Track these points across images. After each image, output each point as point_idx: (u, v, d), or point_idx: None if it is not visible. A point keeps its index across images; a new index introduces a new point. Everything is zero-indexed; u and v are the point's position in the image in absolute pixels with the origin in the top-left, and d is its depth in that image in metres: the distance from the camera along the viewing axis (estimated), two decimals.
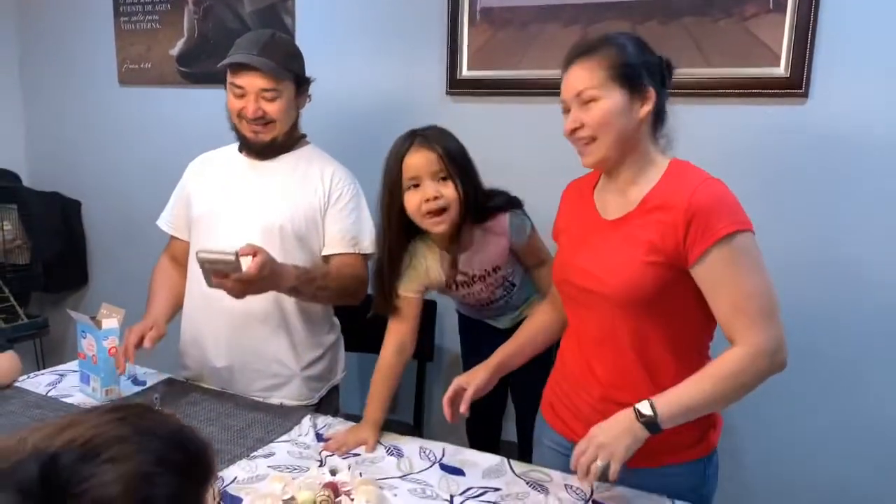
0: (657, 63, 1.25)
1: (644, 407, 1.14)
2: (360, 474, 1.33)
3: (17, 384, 1.72)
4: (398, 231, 1.51)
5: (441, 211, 1.44)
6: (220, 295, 1.66)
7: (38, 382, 1.75)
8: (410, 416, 2.24)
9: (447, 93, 2.19)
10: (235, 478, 1.33)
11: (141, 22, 2.76)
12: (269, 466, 1.38)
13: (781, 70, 1.76)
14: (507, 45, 2.08)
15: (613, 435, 1.14)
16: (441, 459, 1.43)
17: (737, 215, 1.17)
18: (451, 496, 1.30)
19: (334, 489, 1.07)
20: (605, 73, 1.21)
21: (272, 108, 1.66)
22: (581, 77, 1.22)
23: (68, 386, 1.74)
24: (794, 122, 1.79)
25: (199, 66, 2.64)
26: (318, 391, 1.78)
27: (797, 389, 1.86)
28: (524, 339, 1.49)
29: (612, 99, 1.21)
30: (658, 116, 1.27)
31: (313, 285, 1.60)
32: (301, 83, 1.71)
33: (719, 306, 1.18)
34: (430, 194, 1.43)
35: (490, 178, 2.15)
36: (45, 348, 2.95)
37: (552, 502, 1.28)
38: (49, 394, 1.69)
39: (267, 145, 1.69)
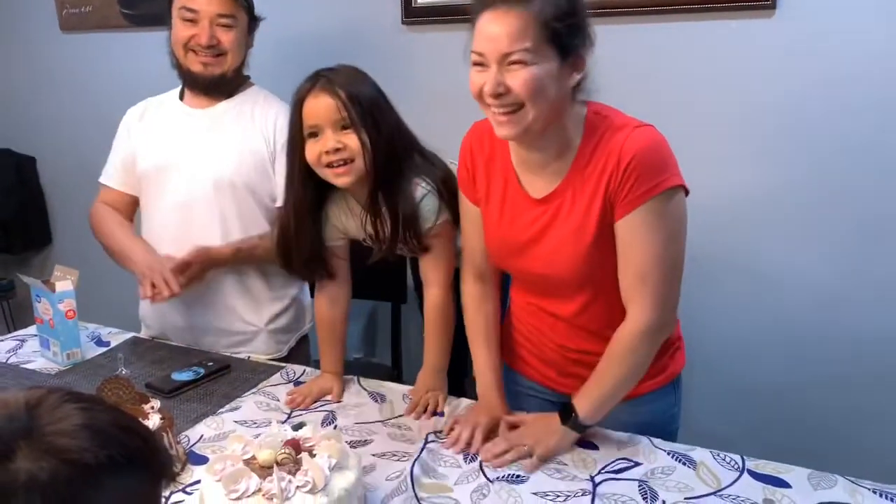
0: (586, 19, 1.10)
1: (566, 412, 1.21)
2: (334, 423, 1.32)
3: None
4: (302, 182, 1.36)
5: (344, 162, 1.29)
6: (175, 250, 1.62)
7: None
8: (389, 359, 2.23)
9: (403, 22, 2.08)
10: (202, 436, 1.31)
11: None
12: (235, 422, 1.36)
13: None
14: None
15: (543, 434, 1.21)
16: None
17: (670, 170, 1.11)
18: (427, 435, 1.29)
19: (295, 446, 1.04)
20: (542, 33, 1.03)
21: (227, 38, 1.57)
22: (512, 31, 1.03)
23: (29, 352, 1.69)
24: (762, 37, 1.72)
25: (145, 8, 2.49)
26: (286, 343, 1.75)
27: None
28: (494, 342, 1.37)
29: (546, 65, 1.05)
30: (579, 81, 1.13)
31: (254, 257, 1.60)
32: (252, 18, 1.62)
33: (625, 269, 1.16)
34: (329, 146, 1.27)
35: (450, 113, 2.08)
36: (15, 312, 2.89)
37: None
38: (9, 361, 1.64)
39: (216, 80, 1.60)
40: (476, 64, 1.09)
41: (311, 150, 1.30)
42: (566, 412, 1.21)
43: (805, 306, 1.83)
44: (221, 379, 1.53)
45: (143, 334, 1.79)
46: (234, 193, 1.60)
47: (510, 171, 1.23)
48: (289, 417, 1.37)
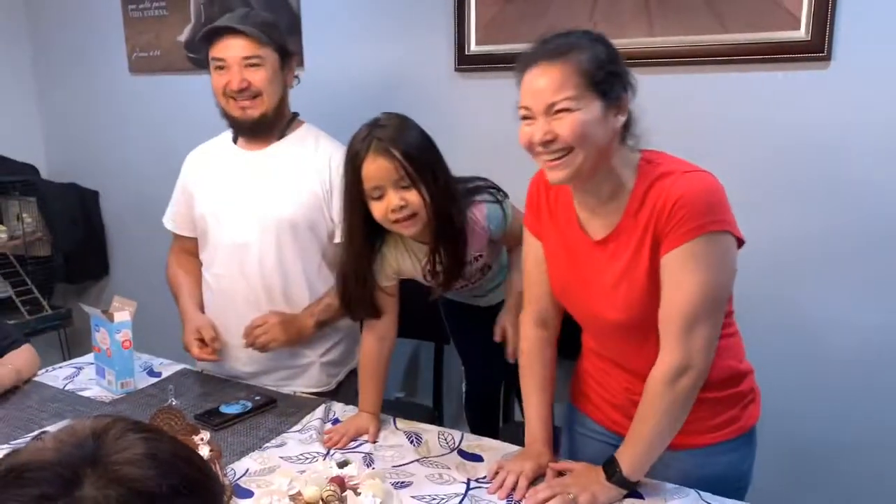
0: (623, 67, 1.15)
1: (609, 468, 1.21)
2: (372, 465, 1.33)
3: (36, 378, 1.74)
4: (363, 237, 1.42)
5: (409, 216, 1.35)
6: (234, 292, 1.68)
7: (57, 376, 1.77)
8: (430, 399, 2.23)
9: (456, 69, 2.13)
10: (247, 470, 1.33)
11: (148, 9, 2.74)
12: (280, 457, 1.37)
13: (802, 33, 1.68)
14: (516, 17, 2.01)
15: (589, 484, 1.21)
16: (460, 446, 1.42)
17: (718, 214, 1.12)
18: (468, 480, 1.28)
19: (340, 484, 1.05)
20: (582, 81, 1.09)
21: (256, 78, 1.62)
22: (554, 83, 1.09)
23: (85, 379, 1.75)
24: (817, 86, 1.71)
25: (207, 54, 2.61)
26: (335, 377, 1.78)
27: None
28: (548, 391, 1.37)
29: (590, 110, 1.10)
30: (626, 123, 1.17)
31: (330, 311, 1.65)
32: (284, 56, 1.68)
33: (665, 306, 1.15)
34: (394, 204, 1.33)
35: (502, 158, 2.11)
36: (70, 339, 2.99)
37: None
38: (66, 387, 1.70)
39: (257, 122, 1.66)
40: (525, 118, 1.14)
41: (378, 209, 1.35)
42: (610, 466, 1.21)
43: (851, 358, 1.78)
44: (268, 413, 1.56)
45: (195, 367, 1.83)
46: (293, 232, 1.65)
47: (572, 212, 1.27)
48: (326, 456, 1.38)
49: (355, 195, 1.37)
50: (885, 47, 1.64)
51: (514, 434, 1.91)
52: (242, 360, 1.72)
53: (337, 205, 1.62)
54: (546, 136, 1.11)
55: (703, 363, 1.17)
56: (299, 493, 1.04)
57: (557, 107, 1.09)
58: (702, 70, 1.81)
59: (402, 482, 1.28)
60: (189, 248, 1.81)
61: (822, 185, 1.75)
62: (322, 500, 1.03)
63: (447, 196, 1.38)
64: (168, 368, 1.81)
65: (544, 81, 1.10)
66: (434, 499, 1.23)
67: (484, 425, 1.98)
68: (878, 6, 1.63)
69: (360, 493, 1.04)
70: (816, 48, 1.67)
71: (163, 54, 2.73)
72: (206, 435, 1.26)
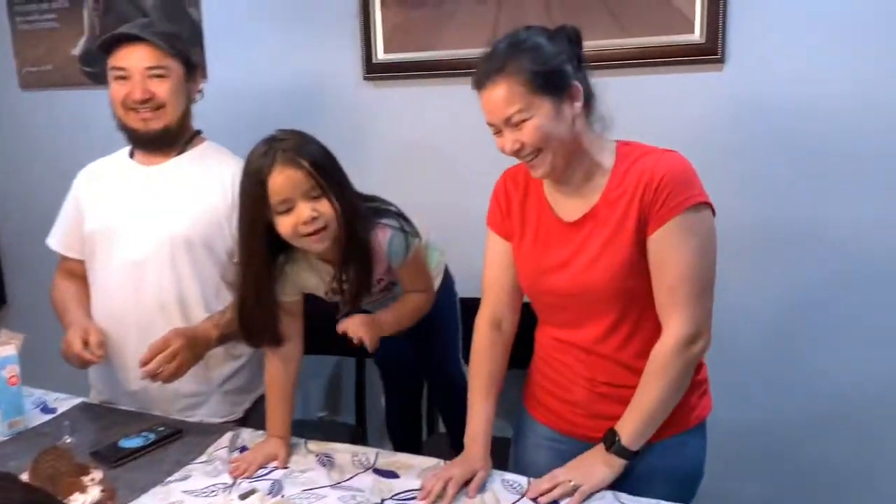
0: (569, 49, 1.21)
1: (608, 438, 1.23)
2: (281, 493, 1.27)
3: None
4: (264, 258, 1.33)
5: (321, 229, 1.29)
6: (126, 314, 1.59)
7: None
8: (353, 417, 2.17)
9: (364, 78, 2.09)
10: None
11: (38, 21, 2.58)
12: (184, 492, 1.29)
13: (696, 36, 1.72)
14: (422, 25, 1.99)
15: (587, 468, 1.23)
16: (375, 464, 1.37)
17: (699, 187, 1.20)
18: (382, 500, 1.24)
19: None
20: (525, 89, 1.16)
21: (161, 89, 1.56)
22: (501, 100, 1.17)
23: None
24: (712, 89, 1.75)
25: (104, 66, 2.48)
26: (241, 405, 1.70)
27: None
28: (493, 394, 1.36)
29: (543, 112, 1.17)
30: (587, 102, 1.23)
31: (233, 326, 1.52)
32: (189, 67, 1.61)
33: (660, 283, 1.20)
34: (305, 216, 1.26)
35: (414, 166, 2.09)
36: None
37: (488, 499, 1.22)
38: None
39: (159, 135, 1.59)
40: (495, 132, 1.23)
41: (285, 224, 1.27)
42: (609, 437, 1.23)
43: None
44: (173, 445, 1.47)
45: (93, 399, 1.72)
46: (189, 250, 1.57)
47: (543, 202, 1.31)
48: (232, 487, 1.30)
49: (257, 214, 1.29)
50: (776, 49, 1.69)
51: (438, 447, 1.89)
52: (138, 388, 1.63)
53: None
54: (515, 146, 1.20)
55: (709, 332, 1.22)
56: None
57: (513, 120, 1.17)
58: (602, 74, 1.82)
59: None
60: (76, 270, 1.70)
61: (720, 184, 1.78)
62: None
63: (354, 211, 1.33)
64: (64, 403, 1.68)
65: (494, 100, 1.18)
66: None
67: (407, 439, 1.94)
68: (768, 9, 1.68)
69: None
70: (710, 51, 1.71)
71: (55, 68, 2.58)
72: (97, 475, 1.17)
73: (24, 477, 1.13)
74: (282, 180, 1.25)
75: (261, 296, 1.35)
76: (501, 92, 1.16)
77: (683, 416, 1.27)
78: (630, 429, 1.22)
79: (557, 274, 1.27)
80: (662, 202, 1.17)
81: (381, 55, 2.05)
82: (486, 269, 1.40)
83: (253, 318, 1.37)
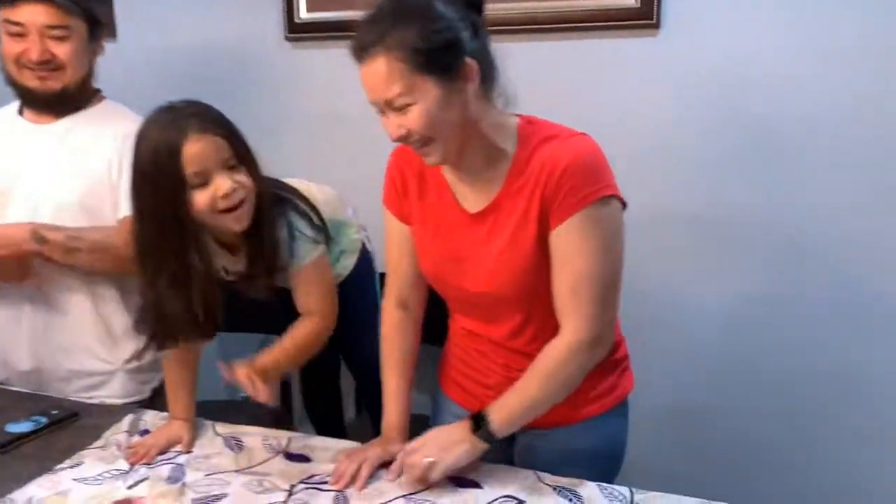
0: (462, 16, 1.02)
1: (477, 420, 1.13)
2: (183, 479, 1.17)
3: None
4: (182, 245, 1.17)
5: (240, 203, 1.16)
6: (21, 290, 1.45)
7: None
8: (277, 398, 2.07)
9: (286, 38, 1.97)
10: (31, 499, 1.13)
11: None
12: (74, 479, 1.18)
13: (632, 1, 1.66)
14: None
15: (447, 444, 1.13)
16: (287, 448, 1.28)
17: (605, 179, 1.06)
18: (291, 486, 1.16)
19: None
20: (408, 68, 0.98)
21: (62, 50, 1.41)
22: (381, 80, 0.99)
23: None
24: (648, 53, 1.70)
25: None
26: (149, 383, 1.58)
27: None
28: (407, 374, 1.28)
29: (429, 96, 1.00)
30: (487, 76, 1.06)
31: (62, 233, 1.39)
32: (94, 26, 1.47)
33: (560, 283, 1.09)
34: (225, 188, 1.12)
35: (338, 132, 1.98)
36: None
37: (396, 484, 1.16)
38: None
39: (56, 96, 1.44)
40: (380, 112, 1.06)
41: (201, 199, 1.13)
42: (479, 418, 1.12)
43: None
44: (67, 429, 1.35)
45: None
46: (81, 216, 1.43)
47: (444, 186, 1.17)
48: (128, 473, 1.20)
49: (176, 193, 1.12)
50: (710, 15, 1.65)
51: (363, 428, 1.81)
52: (31, 367, 1.50)
53: (125, 187, 1.37)
54: (400, 132, 1.04)
55: (611, 336, 1.14)
56: None
57: (395, 103, 1.01)
58: (538, 38, 1.76)
59: (215, 495, 1.14)
60: None
61: (655, 155, 1.75)
62: None
63: (265, 189, 1.21)
64: None
65: (372, 77, 1.01)
66: None
67: (327, 419, 1.87)
68: None
69: None
70: (646, 15, 1.66)
71: None
72: None
73: None
74: (198, 149, 1.11)
75: (184, 291, 1.19)
76: (380, 69, 0.98)
77: (603, 396, 1.21)
78: (503, 416, 1.11)
79: (460, 270, 1.16)
80: (565, 195, 1.03)
81: (303, 14, 1.93)
82: (387, 249, 1.28)
83: (176, 318, 1.21)
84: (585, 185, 1.04)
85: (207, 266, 1.21)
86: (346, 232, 1.57)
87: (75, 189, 1.43)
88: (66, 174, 1.44)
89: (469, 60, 1.01)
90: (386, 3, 1.02)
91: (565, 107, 1.74)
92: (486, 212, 1.12)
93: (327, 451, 1.27)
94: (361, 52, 1.00)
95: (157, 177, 1.13)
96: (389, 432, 1.24)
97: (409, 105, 1.00)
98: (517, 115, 1.13)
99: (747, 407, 1.83)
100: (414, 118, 1.01)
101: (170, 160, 1.11)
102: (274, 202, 1.23)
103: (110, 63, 1.59)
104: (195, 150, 1.12)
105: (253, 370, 1.17)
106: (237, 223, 1.18)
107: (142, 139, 1.15)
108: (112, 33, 2.07)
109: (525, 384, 1.12)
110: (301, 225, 1.27)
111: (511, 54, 1.81)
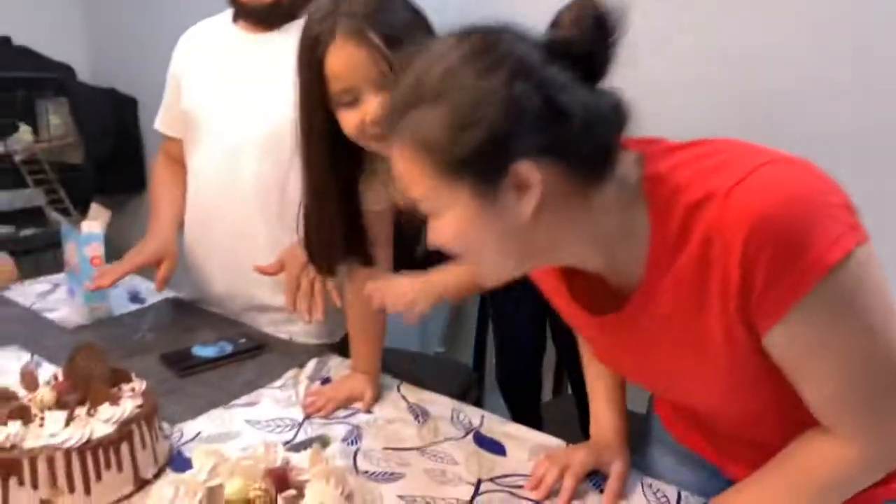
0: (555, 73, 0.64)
1: None
2: (358, 444, 1.00)
3: (6, 292, 1.50)
4: (330, 161, 0.99)
5: None
6: (220, 211, 1.38)
7: (29, 292, 1.53)
8: (471, 358, 1.89)
9: None
10: (199, 433, 1.03)
11: None
12: (246, 421, 1.06)
13: None
14: None
15: None
16: (478, 428, 1.07)
17: (833, 227, 0.62)
18: (479, 480, 0.94)
19: (281, 480, 0.73)
20: (430, 168, 0.66)
21: None
22: (402, 177, 0.69)
23: (58, 298, 1.50)
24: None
25: None
26: (342, 327, 1.44)
27: None
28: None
29: (459, 207, 0.67)
30: (591, 167, 0.67)
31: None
32: None
33: (809, 397, 0.70)
34: (374, 113, 0.89)
35: None
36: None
37: None
38: (33, 306, 1.45)
39: (268, 9, 1.31)
40: None
41: (348, 121, 0.92)
42: None
43: None
44: (251, 361, 1.25)
45: (185, 295, 1.54)
46: (290, 135, 1.30)
47: (559, 281, 0.83)
48: (300, 426, 1.06)
49: (316, 101, 0.94)
50: None
51: (563, 412, 1.56)
52: (223, 292, 1.43)
53: None
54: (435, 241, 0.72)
55: None
56: (221, 486, 0.73)
57: (422, 207, 0.70)
58: None
59: (391, 473, 0.95)
60: (176, 153, 1.49)
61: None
62: (249, 500, 0.71)
63: None
64: (156, 295, 1.52)
65: (397, 170, 0.70)
66: (428, 502, 0.89)
67: (524, 397, 1.63)
68: None
69: (300, 499, 0.71)
70: None
71: None
72: (139, 385, 0.96)
73: (59, 375, 0.93)
74: (342, 61, 0.89)
75: (330, 209, 1.02)
76: (399, 164, 0.69)
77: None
78: None
79: (652, 385, 0.87)
80: (763, 288, 0.63)
81: None
82: None
83: (325, 241, 1.05)
84: (796, 259, 0.62)
85: (349, 182, 1.02)
86: None
87: (286, 112, 1.30)
88: (275, 93, 1.30)
89: (522, 161, 0.64)
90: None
91: None
92: (626, 313, 0.75)
93: (523, 442, 1.03)
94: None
95: (304, 81, 0.94)
96: (602, 436, 0.97)
97: (432, 216, 0.70)
98: (640, 162, 0.70)
99: None
100: (440, 232, 0.70)
101: (313, 69, 0.91)
102: None
103: None
104: (338, 62, 0.89)
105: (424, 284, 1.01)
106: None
107: (303, 28, 0.93)
108: None
109: (770, 482, 0.77)
110: None
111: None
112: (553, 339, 1.62)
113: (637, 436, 1.05)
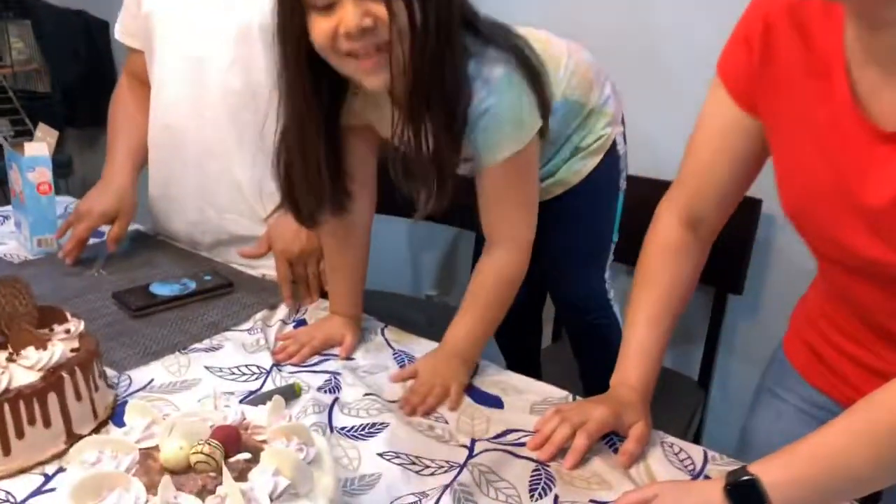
0: None
1: (740, 490, 0.63)
2: (337, 393, 0.87)
3: None
4: (307, 86, 0.83)
5: (375, 50, 0.77)
6: (187, 129, 1.22)
7: None
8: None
9: None
10: (152, 380, 0.89)
11: None
12: (206, 367, 0.93)
13: None
14: None
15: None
16: (472, 378, 0.93)
17: None
18: (473, 440, 0.81)
19: (231, 440, 0.60)
20: None
21: None
22: None
23: (6, 231, 1.35)
24: None
25: None
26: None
27: None
28: (665, 315, 0.84)
29: None
30: None
31: None
32: None
33: None
34: (350, 23, 0.74)
35: None
36: (72, 191, 2.65)
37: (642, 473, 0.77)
38: None
39: None
40: None
41: (320, 28, 0.77)
42: (741, 490, 0.63)
43: None
44: (217, 301, 1.11)
45: (148, 228, 1.39)
46: (262, 42, 1.13)
47: (841, 76, 0.64)
48: (268, 374, 0.92)
49: (291, 13, 0.79)
50: None
51: (564, 358, 1.43)
52: (191, 222, 1.28)
53: None
54: None
55: None
56: (156, 447, 0.59)
57: None
58: None
59: (371, 424, 0.82)
60: (140, 71, 1.31)
61: None
62: (190, 466, 0.58)
63: (440, 25, 0.77)
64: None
65: None
66: (413, 463, 0.76)
67: (522, 343, 1.50)
68: None
69: (252, 464, 0.57)
70: None
71: None
72: (75, 325, 0.82)
73: None
74: None
75: (310, 146, 0.87)
76: None
77: None
78: (787, 491, 0.62)
79: (858, 226, 0.66)
80: None
81: None
82: (694, 137, 0.81)
83: (303, 185, 0.90)
84: None
85: (324, 116, 0.86)
86: (593, 121, 1.11)
87: (258, 7, 1.13)
88: None
89: None
90: None
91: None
92: None
93: (523, 395, 0.90)
94: None
95: None
96: (624, 389, 0.82)
97: None
98: None
99: None
100: None
101: None
102: (455, 57, 0.80)
103: None
104: None
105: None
106: (368, 78, 0.79)
107: None
108: None
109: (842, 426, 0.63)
110: (509, 96, 0.83)
111: None
112: (552, 298, 1.46)
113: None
